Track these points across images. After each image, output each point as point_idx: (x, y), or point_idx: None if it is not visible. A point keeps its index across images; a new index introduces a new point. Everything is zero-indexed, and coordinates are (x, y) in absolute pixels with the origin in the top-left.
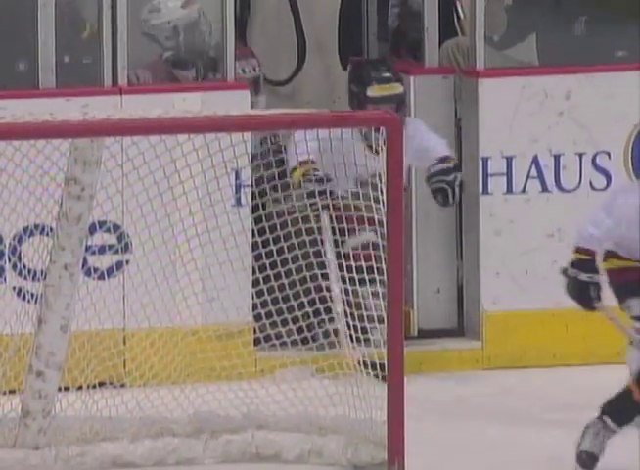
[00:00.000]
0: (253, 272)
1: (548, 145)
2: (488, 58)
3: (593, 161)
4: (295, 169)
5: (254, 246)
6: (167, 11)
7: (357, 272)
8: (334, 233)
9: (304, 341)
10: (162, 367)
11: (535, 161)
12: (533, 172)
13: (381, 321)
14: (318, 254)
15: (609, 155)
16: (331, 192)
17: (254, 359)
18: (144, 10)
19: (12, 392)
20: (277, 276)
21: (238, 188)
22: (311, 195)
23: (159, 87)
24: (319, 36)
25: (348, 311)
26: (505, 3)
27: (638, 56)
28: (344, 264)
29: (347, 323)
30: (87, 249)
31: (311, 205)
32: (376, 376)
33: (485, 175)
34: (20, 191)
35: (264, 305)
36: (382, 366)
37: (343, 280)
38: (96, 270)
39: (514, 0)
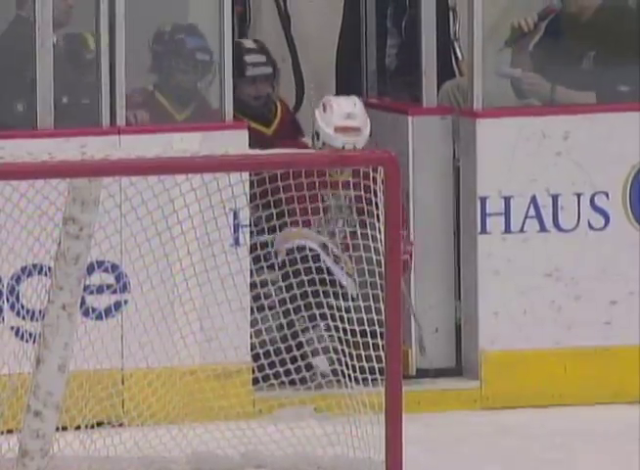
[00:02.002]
0: (252, 312)
1: (546, 185)
2: (486, 97)
3: (591, 201)
4: None
5: (252, 286)
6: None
7: (356, 311)
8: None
9: (302, 381)
10: (161, 407)
11: (534, 200)
12: (532, 212)
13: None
14: (316, 293)
15: (607, 195)
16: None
17: (252, 399)
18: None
19: (10, 431)
20: (275, 316)
21: (236, 228)
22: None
23: (157, 127)
24: (317, 75)
25: (347, 351)
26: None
27: (638, 95)
28: (342, 305)
29: (346, 363)
30: (85, 288)
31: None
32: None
33: (484, 215)
34: (18, 231)
35: (262, 344)
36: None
37: (341, 319)
38: (94, 310)
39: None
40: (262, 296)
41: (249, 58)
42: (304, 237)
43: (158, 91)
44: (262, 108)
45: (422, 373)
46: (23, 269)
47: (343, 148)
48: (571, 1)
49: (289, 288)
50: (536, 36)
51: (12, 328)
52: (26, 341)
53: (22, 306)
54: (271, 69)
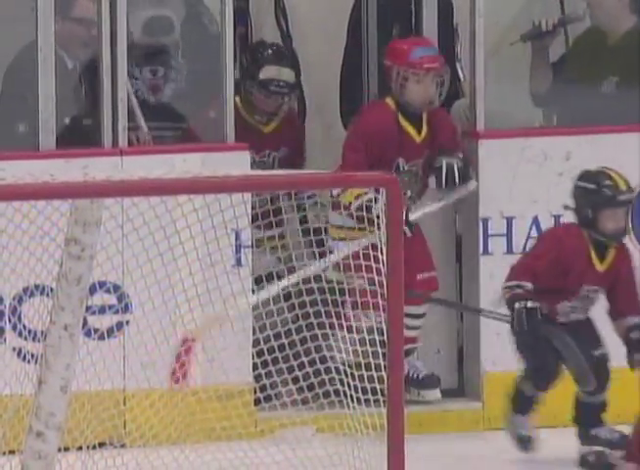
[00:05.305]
0: (253, 332)
1: (548, 206)
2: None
3: None
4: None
5: (254, 306)
6: None
7: (357, 332)
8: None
9: (304, 401)
10: (162, 428)
11: (535, 221)
12: (533, 233)
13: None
14: (318, 314)
15: None
16: None
17: (255, 420)
18: None
19: (11, 453)
20: (277, 336)
21: (238, 248)
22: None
23: (159, 148)
24: (320, 97)
25: (348, 371)
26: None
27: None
28: (344, 325)
29: (347, 383)
30: (87, 309)
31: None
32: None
33: (486, 236)
34: (20, 252)
35: (264, 365)
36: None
37: (343, 339)
38: (96, 331)
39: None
40: (264, 316)
41: None
42: None
43: None
44: None
45: None
46: (25, 290)
47: None
48: (598, 22)
49: (291, 308)
50: (553, 39)
51: (14, 349)
52: (28, 362)
53: (24, 327)
54: None
